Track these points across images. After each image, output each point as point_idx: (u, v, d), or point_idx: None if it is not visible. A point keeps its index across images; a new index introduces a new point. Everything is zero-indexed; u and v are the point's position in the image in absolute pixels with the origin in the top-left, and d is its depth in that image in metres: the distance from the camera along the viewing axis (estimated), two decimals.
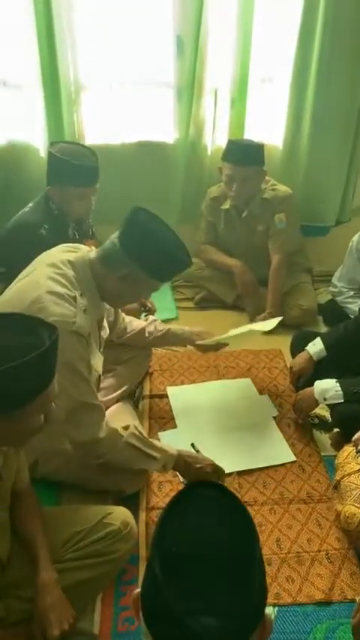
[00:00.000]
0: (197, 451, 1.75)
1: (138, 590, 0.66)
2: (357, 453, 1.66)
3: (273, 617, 1.40)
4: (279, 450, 1.89)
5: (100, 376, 1.66)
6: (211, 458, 1.65)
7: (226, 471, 1.66)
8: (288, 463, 1.85)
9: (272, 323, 2.16)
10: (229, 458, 1.77)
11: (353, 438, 1.67)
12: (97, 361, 1.58)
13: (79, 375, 1.42)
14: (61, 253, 1.53)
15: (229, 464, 1.71)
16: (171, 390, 2.17)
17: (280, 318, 2.21)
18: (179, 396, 2.15)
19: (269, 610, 1.41)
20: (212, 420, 2.02)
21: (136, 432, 1.53)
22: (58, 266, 1.47)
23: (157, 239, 1.44)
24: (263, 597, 0.62)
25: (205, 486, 0.67)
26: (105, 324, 1.71)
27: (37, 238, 2.01)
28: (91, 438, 1.45)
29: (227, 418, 2.03)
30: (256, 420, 2.03)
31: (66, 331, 1.34)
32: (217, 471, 1.62)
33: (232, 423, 2.01)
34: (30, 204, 2.20)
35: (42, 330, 1.04)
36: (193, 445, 1.80)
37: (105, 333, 1.70)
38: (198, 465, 1.59)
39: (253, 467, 1.82)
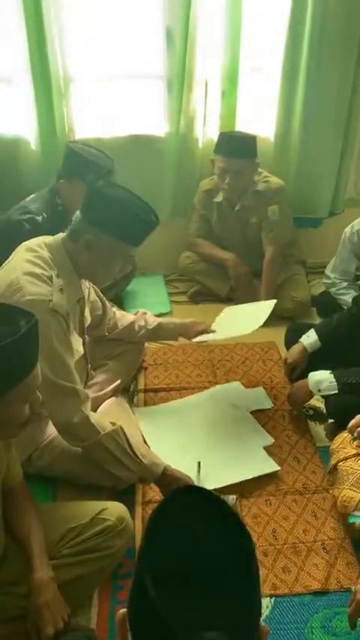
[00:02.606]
0: (199, 471, 1.70)
1: (123, 610, 0.61)
2: (353, 439, 1.66)
3: (269, 608, 1.41)
4: (260, 461, 1.79)
5: (85, 357, 1.67)
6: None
7: (210, 488, 1.60)
8: (284, 455, 1.86)
9: (266, 309, 2.04)
10: (209, 476, 1.70)
11: (349, 425, 1.66)
12: (77, 341, 1.58)
13: (56, 354, 1.43)
14: (42, 238, 1.56)
15: (211, 482, 1.67)
16: (140, 413, 2.00)
17: (274, 301, 2.11)
18: (148, 419, 1.98)
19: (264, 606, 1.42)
20: (186, 440, 1.88)
21: (118, 437, 1.48)
22: (35, 249, 1.50)
23: (114, 199, 1.47)
24: (260, 608, 0.59)
25: (187, 493, 0.62)
26: (87, 312, 1.70)
27: (34, 225, 2.04)
28: (65, 420, 1.45)
29: (202, 437, 1.91)
30: (233, 434, 1.92)
31: (43, 310, 1.38)
32: None
33: (207, 441, 1.89)
34: (32, 195, 2.21)
35: (19, 319, 1.03)
36: (199, 464, 1.73)
37: (86, 320, 1.69)
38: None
39: (235, 481, 1.71)
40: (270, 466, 1.78)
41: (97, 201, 1.47)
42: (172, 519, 0.59)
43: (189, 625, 0.52)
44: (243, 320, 2.08)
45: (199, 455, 1.78)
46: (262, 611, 1.38)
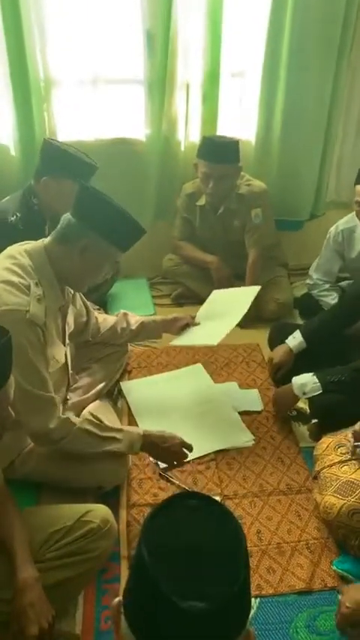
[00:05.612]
0: None
1: (119, 598, 0.64)
2: (355, 447, 1.63)
3: (254, 609, 1.41)
4: (237, 432, 1.95)
5: (67, 365, 1.66)
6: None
7: (189, 458, 1.68)
8: (268, 456, 1.87)
9: (249, 295, 2.07)
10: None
11: (354, 430, 1.64)
12: (58, 350, 1.57)
13: (30, 364, 1.42)
14: (22, 245, 1.54)
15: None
16: (125, 386, 2.16)
17: (258, 287, 2.15)
18: (134, 390, 2.15)
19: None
20: (169, 410, 2.04)
21: (91, 418, 1.54)
22: (15, 256, 1.49)
23: (109, 204, 1.48)
24: (248, 592, 0.62)
25: (190, 496, 0.67)
26: (70, 319, 1.69)
27: (4, 224, 2.02)
28: (40, 428, 1.46)
29: (183, 407, 2.06)
30: (213, 406, 2.07)
31: (20, 320, 1.38)
32: (186, 446, 1.63)
33: (188, 411, 2.04)
34: (6, 197, 2.17)
35: None
36: None
37: (70, 327, 1.68)
38: (166, 444, 1.60)
39: (213, 450, 1.86)
40: (246, 437, 1.93)
41: (93, 205, 1.46)
42: (172, 510, 0.64)
43: (178, 590, 0.55)
44: (227, 310, 2.04)
45: (178, 424, 1.87)
46: None
